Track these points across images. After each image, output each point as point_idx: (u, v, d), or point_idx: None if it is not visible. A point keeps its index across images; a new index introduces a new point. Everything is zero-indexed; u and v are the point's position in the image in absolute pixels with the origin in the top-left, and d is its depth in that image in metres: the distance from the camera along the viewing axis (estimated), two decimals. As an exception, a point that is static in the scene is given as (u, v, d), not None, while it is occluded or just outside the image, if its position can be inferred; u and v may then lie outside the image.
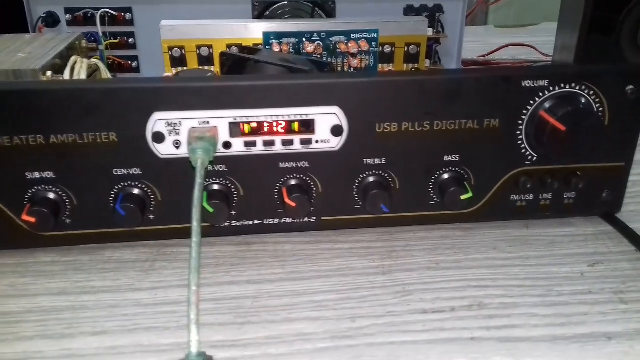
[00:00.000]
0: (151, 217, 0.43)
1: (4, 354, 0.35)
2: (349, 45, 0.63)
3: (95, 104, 0.39)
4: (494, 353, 0.35)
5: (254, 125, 0.41)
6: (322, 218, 0.45)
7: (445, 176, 0.44)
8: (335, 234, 0.46)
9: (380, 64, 0.66)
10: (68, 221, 0.42)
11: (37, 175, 0.41)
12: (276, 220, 0.44)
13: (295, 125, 0.41)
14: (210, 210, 0.41)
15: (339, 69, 0.64)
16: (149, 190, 0.42)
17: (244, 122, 0.41)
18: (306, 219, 0.44)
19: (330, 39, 0.63)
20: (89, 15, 0.75)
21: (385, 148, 0.43)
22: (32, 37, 0.54)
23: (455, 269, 0.42)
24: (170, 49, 0.70)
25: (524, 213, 0.46)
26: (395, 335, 0.36)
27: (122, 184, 0.41)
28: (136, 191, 0.42)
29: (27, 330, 0.37)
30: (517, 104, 0.42)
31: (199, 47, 0.71)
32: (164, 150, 0.41)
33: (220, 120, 0.40)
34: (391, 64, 0.74)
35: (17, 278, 0.41)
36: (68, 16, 0.75)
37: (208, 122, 0.40)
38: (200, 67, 0.57)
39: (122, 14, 0.75)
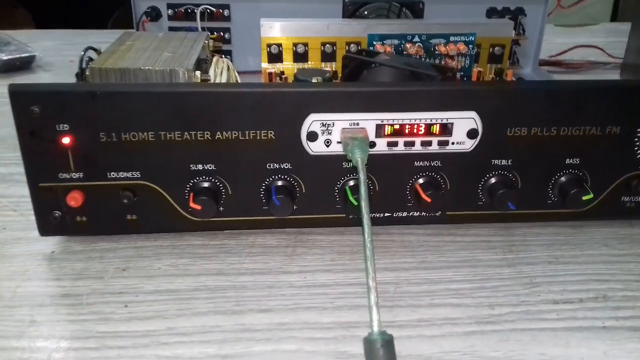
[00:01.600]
0: (294, 207, 0.47)
1: (185, 327, 0.40)
2: (448, 47, 0.66)
3: (258, 105, 0.43)
4: (627, 340, 0.39)
5: (397, 127, 0.45)
6: (447, 213, 0.49)
7: (566, 178, 0.47)
8: (454, 228, 0.50)
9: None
10: (221, 209, 0.46)
11: (200, 167, 0.45)
12: (404, 214, 0.48)
13: (435, 128, 0.45)
14: (355, 203, 0.45)
15: (436, 69, 0.67)
16: (295, 183, 0.46)
17: (388, 124, 0.45)
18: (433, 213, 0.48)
19: (430, 41, 0.66)
20: (189, 10, 0.79)
21: (513, 150, 0.46)
22: (165, 37, 0.58)
23: (574, 264, 0.46)
24: (269, 45, 0.75)
25: (631, 213, 0.50)
26: (534, 323, 0.40)
27: (273, 176, 0.46)
28: (286, 184, 0.46)
29: (199, 307, 0.41)
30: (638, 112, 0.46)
31: (295, 45, 0.75)
32: (316, 147, 0.45)
33: (367, 122, 0.44)
34: (476, 64, 0.77)
35: (176, 259, 0.46)
36: (170, 11, 0.79)
37: (358, 124, 0.44)
38: (320, 67, 0.60)
39: (220, 10, 0.79)
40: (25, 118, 0.42)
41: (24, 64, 0.90)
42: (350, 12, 0.79)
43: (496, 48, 0.77)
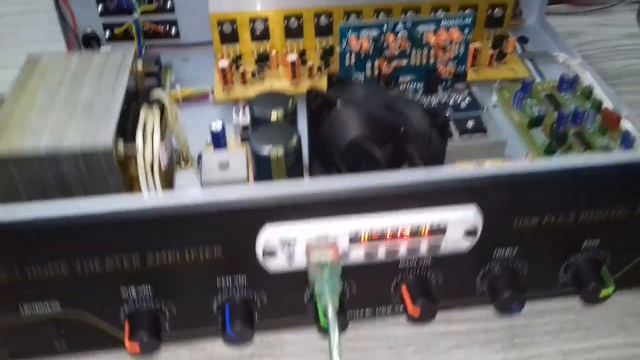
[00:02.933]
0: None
1: None
2: (439, 35, 0.54)
3: (198, 222, 0.33)
4: None
5: (376, 234, 0.35)
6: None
7: (583, 261, 0.39)
8: (448, 311, 0.43)
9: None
10: (167, 331, 0.38)
11: (132, 291, 0.36)
12: (389, 310, 0.41)
13: (424, 230, 0.36)
14: (324, 326, 0.36)
15: (424, 61, 0.55)
16: (253, 298, 0.38)
17: (364, 232, 0.35)
18: (422, 305, 0.41)
19: (417, 28, 0.54)
20: (120, -25, 0.64)
21: (519, 239, 0.38)
22: (80, 66, 0.45)
23: (587, 363, 0.40)
24: (220, 23, 0.61)
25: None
26: None
27: (224, 294, 0.37)
28: (241, 304, 0.37)
29: None
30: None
31: (252, 21, 0.61)
32: (276, 265, 0.36)
33: (339, 230, 0.35)
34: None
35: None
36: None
37: (326, 236, 0.35)
38: (278, 92, 0.48)
39: (159, -28, 0.64)
40: None
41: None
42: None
43: (496, 10, 0.64)
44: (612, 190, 0.36)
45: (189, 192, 0.35)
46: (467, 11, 0.55)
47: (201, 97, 0.60)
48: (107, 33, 0.67)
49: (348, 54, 0.54)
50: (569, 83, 0.58)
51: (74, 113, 0.40)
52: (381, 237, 0.35)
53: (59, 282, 0.34)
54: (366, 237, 0.35)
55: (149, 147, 0.41)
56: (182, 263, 0.35)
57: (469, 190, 0.35)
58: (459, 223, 0.35)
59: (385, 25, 0.53)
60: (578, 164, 0.35)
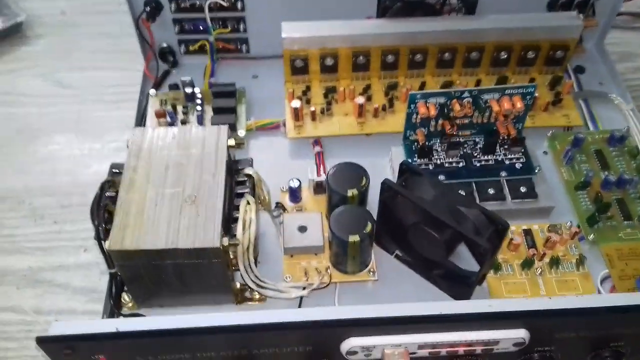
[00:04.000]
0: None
1: None
2: (502, 102, 0.57)
3: (293, 333, 0.41)
4: None
5: (441, 347, 0.43)
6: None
7: (607, 355, 0.47)
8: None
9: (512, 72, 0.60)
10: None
11: (238, 369, 0.45)
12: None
13: (479, 346, 0.43)
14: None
15: (485, 121, 0.59)
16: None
17: (430, 345, 0.43)
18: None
19: (482, 96, 0.57)
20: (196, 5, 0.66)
21: (557, 343, 0.45)
22: (177, 159, 0.50)
23: None
24: (293, 60, 0.65)
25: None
26: None
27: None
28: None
29: None
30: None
31: (322, 58, 0.65)
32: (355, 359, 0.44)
33: (409, 343, 0.42)
34: (530, 67, 0.68)
35: None
36: (173, 5, 0.66)
37: (399, 345, 0.42)
38: (352, 166, 0.54)
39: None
40: (63, 355, 0.41)
41: (12, 31, 0.79)
42: (386, 9, 0.65)
43: (558, 52, 0.66)
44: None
45: (289, 313, 0.42)
46: (531, 83, 0.58)
47: (274, 127, 0.66)
48: (182, 48, 0.71)
49: (415, 115, 0.58)
50: (618, 139, 0.62)
51: (183, 210, 0.47)
52: (443, 346, 0.43)
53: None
54: (432, 347, 0.43)
55: (246, 237, 0.48)
56: (280, 353, 0.43)
57: (520, 319, 0.42)
58: (510, 340, 0.43)
59: (452, 93, 0.57)
60: (615, 303, 0.42)
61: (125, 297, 0.52)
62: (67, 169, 0.66)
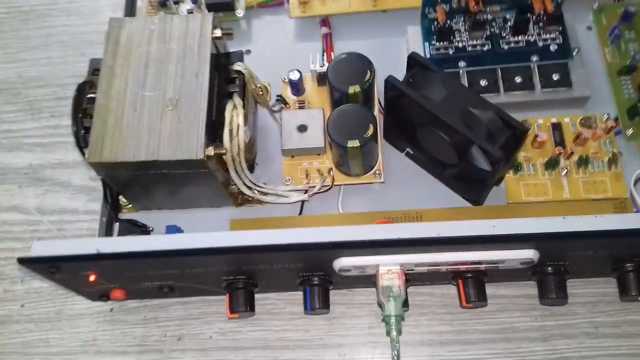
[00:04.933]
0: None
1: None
2: None
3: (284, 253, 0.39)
4: None
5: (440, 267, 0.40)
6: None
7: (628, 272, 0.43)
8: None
9: None
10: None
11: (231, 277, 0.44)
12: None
13: (483, 265, 0.40)
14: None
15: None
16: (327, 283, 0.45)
17: (429, 264, 0.40)
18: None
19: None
20: None
21: (572, 259, 0.41)
22: (157, 31, 0.45)
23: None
24: None
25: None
26: None
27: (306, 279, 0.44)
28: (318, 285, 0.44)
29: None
30: None
31: None
32: (349, 274, 0.41)
33: (404, 263, 0.39)
34: None
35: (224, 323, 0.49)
36: None
37: (395, 265, 0.40)
38: (357, 57, 0.47)
39: None
40: (49, 273, 0.40)
41: None
42: None
43: None
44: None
45: (279, 234, 0.39)
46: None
47: (277, 4, 0.58)
48: None
49: (433, -12, 0.50)
50: (680, 11, 0.52)
51: (164, 115, 0.43)
52: (442, 265, 0.40)
53: (181, 276, 0.42)
54: (430, 265, 0.40)
55: (235, 144, 0.44)
56: (271, 269, 0.42)
57: (530, 239, 0.38)
58: (517, 260, 0.39)
59: None
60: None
61: (123, 199, 0.51)
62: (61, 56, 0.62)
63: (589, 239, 0.37)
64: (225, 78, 0.46)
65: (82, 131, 0.44)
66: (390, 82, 0.43)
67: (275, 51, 0.56)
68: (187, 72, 0.44)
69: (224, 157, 0.44)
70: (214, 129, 0.44)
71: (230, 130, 0.43)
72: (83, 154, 0.44)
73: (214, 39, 0.46)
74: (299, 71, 0.51)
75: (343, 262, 0.39)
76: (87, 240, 0.40)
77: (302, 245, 0.38)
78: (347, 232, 0.38)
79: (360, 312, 0.49)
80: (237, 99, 0.44)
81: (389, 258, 0.39)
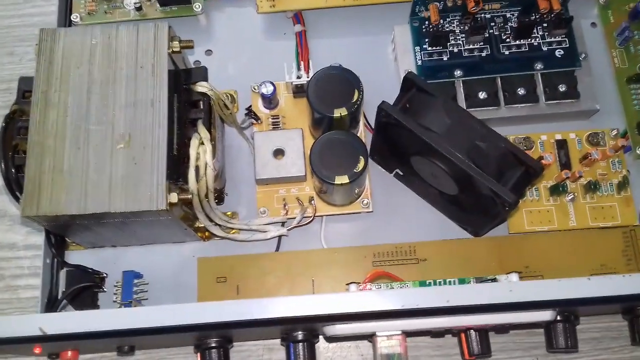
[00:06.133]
0: None
1: None
2: None
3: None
4: None
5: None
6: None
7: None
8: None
9: None
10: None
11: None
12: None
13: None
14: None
15: None
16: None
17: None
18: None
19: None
20: None
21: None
22: (99, 48, 0.37)
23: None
24: None
25: None
26: None
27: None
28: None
29: None
30: None
31: None
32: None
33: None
34: None
35: None
36: None
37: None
38: (342, 74, 0.40)
39: None
40: None
41: None
42: None
43: None
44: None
45: (262, 306, 0.33)
46: None
47: (242, -6, 0.50)
48: None
49: (426, -16, 0.43)
50: (696, 8, 0.47)
51: (115, 154, 0.35)
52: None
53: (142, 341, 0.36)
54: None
55: (202, 185, 0.37)
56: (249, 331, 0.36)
57: (551, 305, 0.33)
58: (532, 321, 0.35)
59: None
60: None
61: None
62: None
63: (615, 303, 0.33)
64: (187, 101, 0.39)
65: (14, 171, 0.36)
66: (384, 109, 0.37)
67: (241, 52, 0.49)
68: (141, 98, 0.36)
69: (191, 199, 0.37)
70: (177, 166, 0.36)
71: (197, 169, 0.36)
72: (17, 199, 0.36)
73: (172, 53, 0.38)
74: (272, 83, 0.43)
75: (336, 330, 0.34)
76: (29, 319, 0.33)
77: (283, 319, 0.32)
78: (338, 300, 0.32)
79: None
80: (202, 131, 0.37)
81: (389, 324, 0.34)
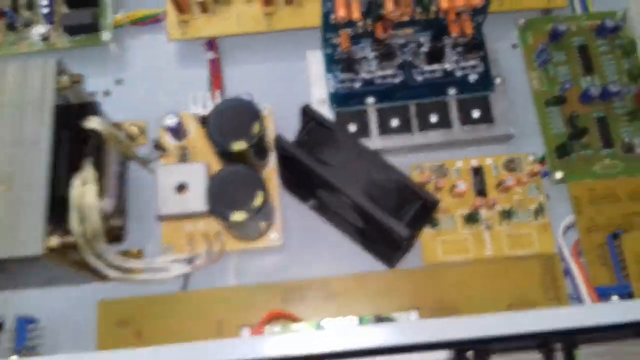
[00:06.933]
0: None
1: None
2: (453, -8, 0.40)
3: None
4: None
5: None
6: None
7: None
8: None
9: None
10: None
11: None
12: None
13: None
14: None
15: (432, 16, 0.43)
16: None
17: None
18: None
19: (425, -14, 0.40)
20: None
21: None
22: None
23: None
24: None
25: None
26: None
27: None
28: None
29: None
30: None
31: None
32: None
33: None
34: None
35: None
36: None
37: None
38: (242, 104, 0.38)
39: None
40: None
41: None
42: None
43: None
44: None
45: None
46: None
47: (154, 21, 0.49)
48: None
49: (332, 14, 0.41)
50: (611, 29, 0.46)
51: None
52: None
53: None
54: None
55: (89, 228, 0.35)
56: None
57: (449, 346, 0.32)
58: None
59: (382, -17, 0.40)
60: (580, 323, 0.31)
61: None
62: None
63: (521, 340, 0.32)
64: (77, 138, 0.37)
65: None
66: (279, 142, 0.35)
67: (153, 81, 0.47)
68: (26, 136, 0.35)
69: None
70: (62, 208, 0.35)
71: (80, 214, 0.35)
72: None
73: (62, 89, 0.36)
74: (176, 115, 0.42)
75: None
76: None
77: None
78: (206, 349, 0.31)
79: None
80: (87, 170, 0.35)
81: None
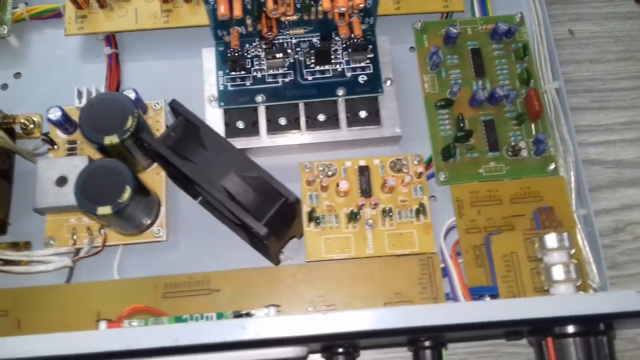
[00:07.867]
0: None
1: None
2: (336, -6, 0.41)
3: None
4: None
5: None
6: None
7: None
8: None
9: None
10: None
11: None
12: None
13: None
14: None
15: (320, 16, 0.43)
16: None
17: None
18: None
19: (307, -14, 0.41)
20: None
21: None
22: None
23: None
24: None
25: None
26: None
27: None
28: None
29: None
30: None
31: None
32: None
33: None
34: None
35: None
36: None
37: None
38: (115, 98, 0.39)
39: None
40: None
41: None
42: None
43: None
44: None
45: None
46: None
47: (53, 15, 0.49)
48: None
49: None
50: (505, 32, 0.47)
51: None
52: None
53: None
54: None
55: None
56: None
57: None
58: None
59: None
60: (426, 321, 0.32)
61: None
62: None
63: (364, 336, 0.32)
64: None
65: None
66: (145, 138, 0.36)
67: (51, 74, 0.47)
68: None
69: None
70: None
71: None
72: None
73: None
74: (60, 108, 0.42)
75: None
76: None
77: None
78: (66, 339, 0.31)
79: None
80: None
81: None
